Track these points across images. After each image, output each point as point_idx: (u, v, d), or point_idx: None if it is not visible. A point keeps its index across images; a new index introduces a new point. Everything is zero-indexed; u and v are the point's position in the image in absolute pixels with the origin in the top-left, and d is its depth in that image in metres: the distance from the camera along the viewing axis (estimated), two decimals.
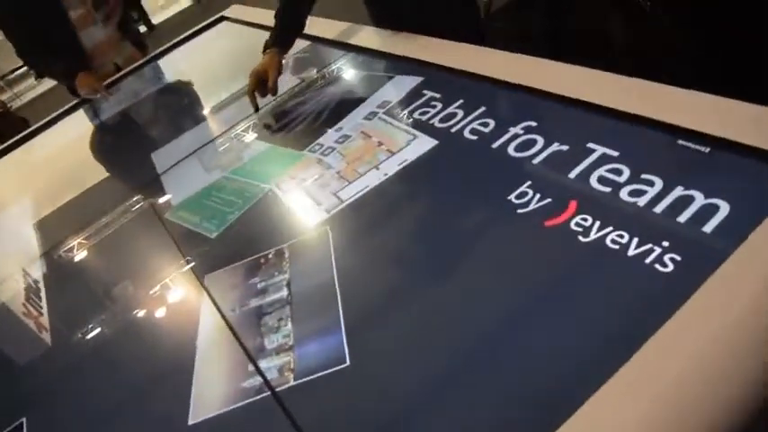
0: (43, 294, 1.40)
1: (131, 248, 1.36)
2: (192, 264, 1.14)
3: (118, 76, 2.45)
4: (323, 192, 1.15)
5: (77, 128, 2.27)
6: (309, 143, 1.33)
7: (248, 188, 1.28)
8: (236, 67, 2.00)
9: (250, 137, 1.51)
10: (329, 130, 1.34)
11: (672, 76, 0.99)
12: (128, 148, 1.92)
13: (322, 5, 1.66)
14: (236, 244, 1.15)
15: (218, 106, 1.82)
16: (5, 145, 2.33)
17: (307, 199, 1.15)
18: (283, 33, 1.58)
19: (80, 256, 1.41)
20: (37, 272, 1.45)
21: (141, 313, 1.12)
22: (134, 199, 1.50)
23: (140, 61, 2.51)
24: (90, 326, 1.15)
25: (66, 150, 2.15)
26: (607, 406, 0.60)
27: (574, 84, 1.07)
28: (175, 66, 2.43)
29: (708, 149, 0.83)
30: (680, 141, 0.87)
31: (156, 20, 8.07)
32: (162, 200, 1.44)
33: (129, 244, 1.38)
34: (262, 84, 1.54)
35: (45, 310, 1.36)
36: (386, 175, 1.10)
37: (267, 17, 2.19)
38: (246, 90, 1.57)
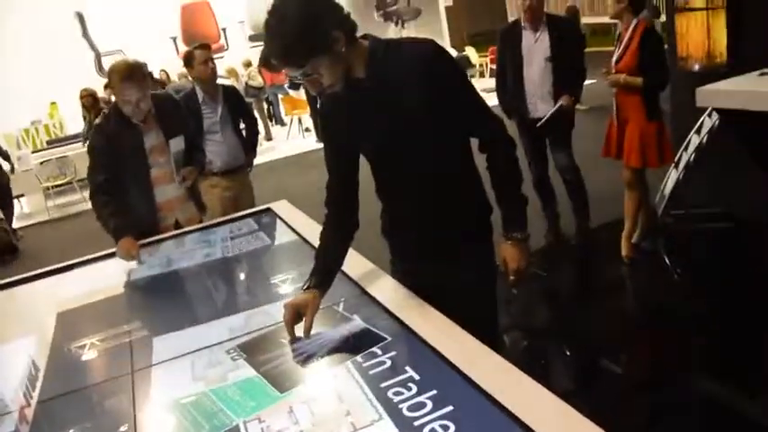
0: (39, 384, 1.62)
1: None
2: None
3: (173, 233, 2.68)
4: None
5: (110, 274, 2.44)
6: (291, 386, 1.38)
7: (218, 417, 1.32)
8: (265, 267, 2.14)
9: (243, 356, 1.56)
10: (314, 378, 1.40)
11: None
12: (132, 319, 1.98)
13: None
14: None
15: (233, 306, 1.93)
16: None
17: None
18: (325, 276, 1.64)
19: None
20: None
21: None
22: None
23: (198, 225, 2.76)
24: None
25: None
26: None
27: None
28: (216, 247, 2.56)
29: None
30: None
31: None
32: (152, 391, 1.52)
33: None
34: (297, 318, 1.57)
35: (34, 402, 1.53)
36: None
37: (306, 223, 2.38)
38: (283, 319, 1.58)
